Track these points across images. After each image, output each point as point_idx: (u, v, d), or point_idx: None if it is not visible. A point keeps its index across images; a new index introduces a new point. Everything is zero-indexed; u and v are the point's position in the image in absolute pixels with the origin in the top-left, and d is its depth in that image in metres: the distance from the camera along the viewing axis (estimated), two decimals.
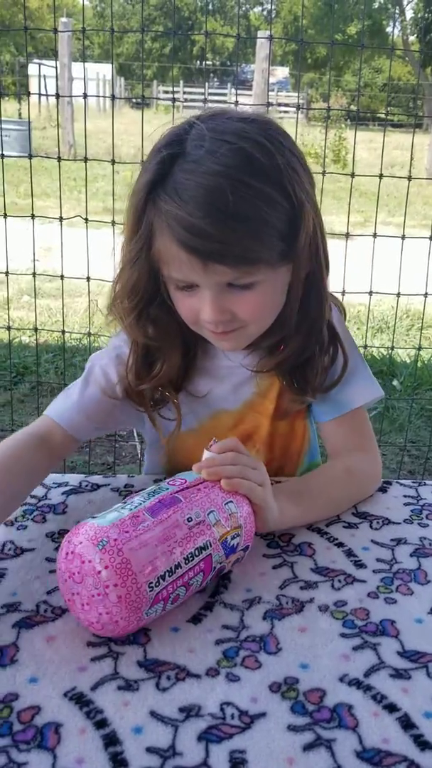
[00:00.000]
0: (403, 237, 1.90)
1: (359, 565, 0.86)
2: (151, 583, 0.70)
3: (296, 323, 0.93)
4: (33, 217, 1.97)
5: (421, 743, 0.62)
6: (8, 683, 0.67)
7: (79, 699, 0.65)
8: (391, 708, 0.66)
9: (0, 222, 2.03)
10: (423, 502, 1.00)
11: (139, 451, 1.00)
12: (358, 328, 4.08)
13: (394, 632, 0.75)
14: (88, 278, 1.99)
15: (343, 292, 1.90)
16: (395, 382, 3.38)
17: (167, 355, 0.96)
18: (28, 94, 1.68)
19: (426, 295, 2.01)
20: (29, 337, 3.59)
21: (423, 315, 2.38)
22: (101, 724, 0.63)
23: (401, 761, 0.61)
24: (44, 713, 0.64)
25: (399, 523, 0.95)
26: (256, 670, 0.69)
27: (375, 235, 1.88)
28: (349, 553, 0.88)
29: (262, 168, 0.82)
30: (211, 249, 0.81)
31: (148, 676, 0.68)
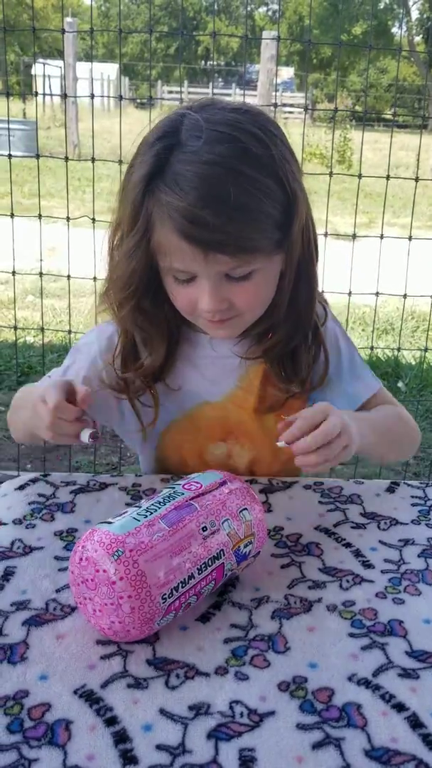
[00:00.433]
0: (410, 238, 1.90)
1: (367, 565, 0.86)
2: (165, 594, 0.70)
3: (286, 311, 0.96)
4: (40, 217, 1.97)
5: (430, 742, 0.63)
6: (18, 680, 0.67)
7: (89, 696, 0.66)
8: (400, 707, 0.66)
9: (6, 221, 2.04)
10: (431, 503, 1.00)
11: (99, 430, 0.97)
12: (363, 330, 4.08)
13: (402, 632, 0.75)
14: (94, 278, 1.99)
15: (350, 293, 1.91)
16: (400, 384, 3.38)
17: (154, 345, 0.98)
18: (35, 94, 1.69)
19: None
20: (34, 337, 3.60)
21: (429, 316, 2.38)
22: (111, 721, 0.63)
23: (410, 760, 0.61)
24: (54, 710, 0.64)
25: (407, 524, 0.95)
26: (265, 669, 0.70)
27: (382, 236, 1.88)
28: (357, 554, 0.88)
29: (258, 158, 0.83)
30: (212, 239, 0.82)
31: (158, 674, 0.68)
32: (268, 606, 0.78)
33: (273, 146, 0.85)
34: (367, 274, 1.94)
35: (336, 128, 11.29)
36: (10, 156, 1.93)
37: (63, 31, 1.84)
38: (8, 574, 0.82)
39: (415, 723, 0.64)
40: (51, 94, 10.58)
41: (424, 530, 0.94)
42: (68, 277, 2.05)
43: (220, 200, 0.81)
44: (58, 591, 0.79)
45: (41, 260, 2.12)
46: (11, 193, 1.98)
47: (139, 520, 0.72)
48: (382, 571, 0.85)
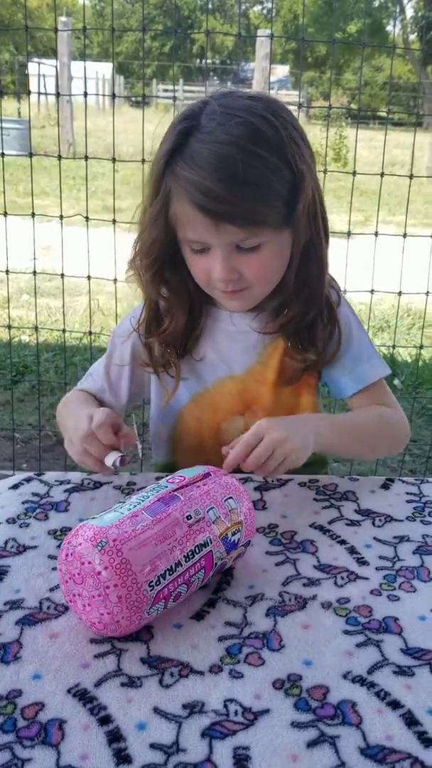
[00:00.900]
0: (405, 235, 1.90)
1: (362, 562, 0.86)
2: (152, 582, 0.70)
3: (298, 288, 1.02)
4: (33, 215, 1.97)
5: (425, 740, 0.62)
6: (12, 680, 0.67)
7: (82, 695, 0.65)
8: (395, 705, 0.66)
9: (0, 221, 2.03)
10: (425, 499, 1.00)
11: (139, 451, 1.02)
12: (369, 328, 4.07)
13: (398, 629, 0.75)
14: (88, 277, 1.99)
15: (345, 291, 1.90)
16: (396, 381, 3.38)
17: (175, 313, 1.06)
18: (29, 93, 1.68)
19: (428, 293, 2.01)
20: (29, 336, 3.59)
21: (424, 314, 2.38)
22: (105, 720, 0.63)
23: (405, 758, 0.61)
24: (48, 709, 0.64)
25: (401, 521, 0.95)
26: (260, 667, 0.69)
27: (377, 234, 1.88)
28: (352, 551, 0.88)
29: (267, 140, 0.91)
30: (223, 210, 0.90)
31: (152, 673, 0.68)
32: (262, 603, 0.78)
33: (283, 129, 0.92)
34: (363, 272, 1.93)
35: (331, 126, 11.29)
36: (2, 155, 1.93)
37: (56, 30, 1.83)
38: (2, 573, 0.81)
39: (410, 720, 0.64)
40: (45, 93, 10.55)
41: (419, 527, 0.93)
42: (62, 275, 2.05)
43: (231, 175, 0.88)
44: (51, 590, 0.79)
45: (35, 259, 2.12)
46: (4, 192, 1.97)
47: (122, 513, 0.73)
48: (377, 568, 0.85)
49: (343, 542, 0.89)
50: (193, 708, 0.64)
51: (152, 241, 0.98)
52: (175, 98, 2.05)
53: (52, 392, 3.01)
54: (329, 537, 0.90)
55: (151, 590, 0.70)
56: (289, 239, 0.98)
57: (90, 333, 2.13)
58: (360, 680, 0.68)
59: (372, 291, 1.95)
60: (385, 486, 1.04)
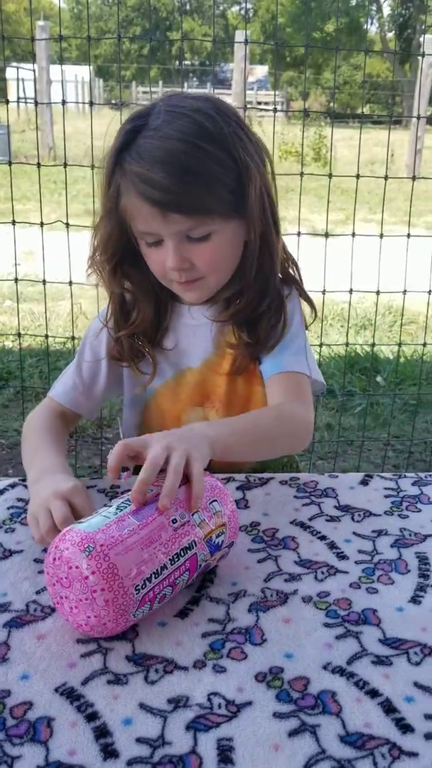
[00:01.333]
0: (381, 236, 1.92)
1: (341, 556, 0.88)
2: (138, 585, 0.71)
3: (251, 279, 1.06)
4: (14, 223, 1.98)
5: (403, 726, 0.65)
6: (0, 681, 0.68)
7: (70, 694, 0.67)
8: (373, 693, 0.68)
9: None
10: (403, 494, 1.03)
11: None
12: (342, 326, 4.11)
13: (376, 621, 0.77)
14: (70, 282, 2.00)
15: (324, 291, 1.93)
16: (379, 378, 3.41)
17: (141, 306, 1.10)
18: (7, 102, 1.70)
19: (405, 292, 2.04)
20: (12, 342, 3.59)
21: (402, 311, 2.41)
22: (92, 717, 0.65)
23: (383, 744, 0.63)
24: (36, 708, 0.65)
25: (380, 515, 0.97)
26: (242, 661, 0.71)
27: (354, 234, 1.91)
28: (332, 546, 0.90)
29: (210, 134, 0.96)
30: (168, 200, 0.95)
31: (137, 670, 0.70)
32: (245, 600, 0.80)
33: (226, 125, 0.98)
34: (344, 272, 1.96)
35: (310, 125, 11.33)
36: None
37: (33, 39, 1.85)
38: None
39: (388, 708, 0.66)
40: (25, 101, 10.51)
41: (397, 521, 0.96)
42: (44, 282, 2.06)
43: (175, 166, 0.94)
44: (38, 593, 0.80)
45: (16, 265, 2.13)
46: None
47: (109, 518, 0.74)
48: (356, 562, 0.87)
49: (323, 538, 0.92)
50: (178, 702, 0.66)
51: (107, 237, 1.03)
52: (151, 99, 2.06)
53: (36, 397, 3.01)
54: (310, 533, 0.93)
55: (137, 594, 0.71)
56: (241, 230, 1.02)
57: (73, 338, 2.14)
58: (340, 671, 0.70)
59: (351, 291, 1.98)
60: (364, 482, 1.06)
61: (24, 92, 13.25)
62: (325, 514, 0.97)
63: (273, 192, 1.06)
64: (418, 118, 2.34)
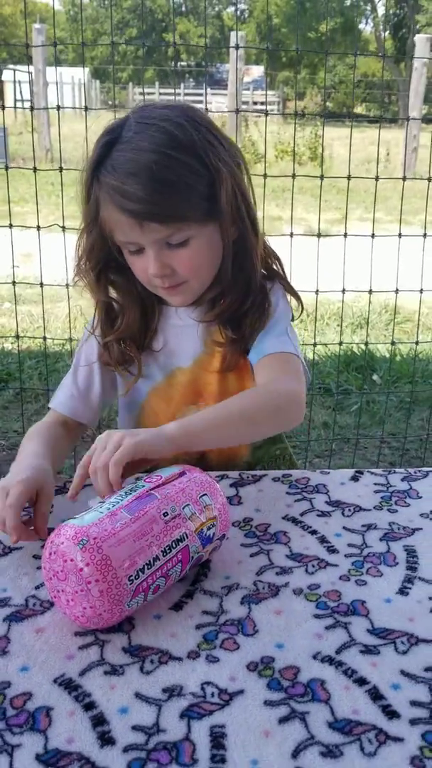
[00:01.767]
0: (373, 236, 1.95)
1: (332, 550, 0.90)
2: (131, 576, 0.74)
3: (233, 279, 1.08)
4: (11, 226, 2.00)
5: (389, 713, 0.67)
6: (1, 673, 0.71)
7: (68, 684, 0.69)
8: (361, 681, 0.70)
9: None
10: (392, 489, 1.05)
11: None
12: (338, 325, 4.13)
13: (365, 611, 0.79)
14: (67, 285, 2.02)
15: (317, 291, 1.95)
16: (375, 377, 3.44)
17: (127, 311, 1.13)
18: (3, 107, 1.71)
19: (397, 291, 2.06)
20: (11, 344, 3.61)
21: (395, 310, 2.43)
22: (89, 706, 0.67)
23: (370, 729, 0.65)
24: (35, 698, 0.68)
25: (369, 510, 0.99)
26: (235, 651, 0.74)
27: (346, 235, 1.93)
28: (323, 540, 0.92)
29: (180, 142, 0.99)
30: (144, 210, 0.98)
31: (133, 661, 0.72)
32: (237, 592, 0.82)
33: (196, 132, 1.00)
34: (340, 271, 1.98)
35: (307, 125, 11.35)
36: None
37: (27, 46, 1.87)
38: None
39: (375, 695, 0.69)
40: (22, 107, 10.53)
41: (386, 515, 0.98)
42: (41, 284, 2.08)
43: (148, 177, 0.97)
44: (36, 588, 0.83)
45: (14, 267, 2.15)
46: None
47: (102, 513, 0.77)
48: (346, 555, 0.89)
49: (314, 532, 0.94)
50: (173, 691, 0.69)
51: (90, 247, 1.06)
52: (144, 101, 2.08)
53: (36, 399, 3.03)
54: (301, 528, 0.95)
55: (130, 584, 0.74)
56: (217, 233, 1.05)
57: (71, 339, 2.16)
58: (329, 660, 0.73)
59: (344, 290, 2.00)
60: (355, 478, 1.08)
61: (21, 94, 13.28)
62: (316, 509, 0.99)
63: (249, 193, 1.08)
64: (408, 120, 2.36)
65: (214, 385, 1.17)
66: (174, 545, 0.78)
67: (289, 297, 1.19)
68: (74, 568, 0.73)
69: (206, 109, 2.00)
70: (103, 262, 1.09)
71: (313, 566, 0.87)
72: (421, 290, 2.11)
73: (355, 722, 0.66)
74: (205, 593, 0.82)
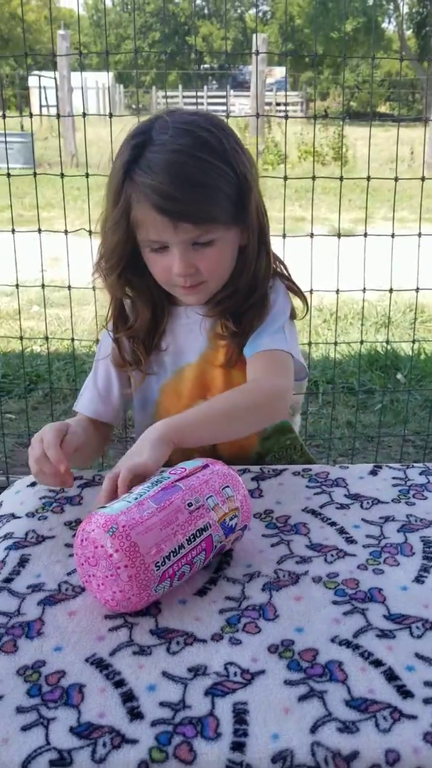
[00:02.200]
0: (393, 235, 1.97)
1: (350, 541, 0.94)
2: (158, 563, 0.78)
3: (243, 281, 1.14)
4: (39, 231, 2.06)
5: (404, 692, 0.70)
6: (36, 652, 0.75)
7: (99, 663, 0.74)
8: (377, 663, 0.74)
9: (8, 236, 2.12)
10: (410, 482, 1.08)
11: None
12: (362, 324, 4.15)
13: (381, 598, 0.83)
14: (94, 287, 2.07)
15: (337, 291, 1.98)
16: (399, 376, 3.45)
17: (141, 311, 1.18)
18: (31, 115, 1.76)
19: (418, 290, 2.08)
20: (40, 346, 3.68)
21: (416, 308, 2.45)
22: (119, 683, 0.71)
23: (385, 708, 0.68)
24: (69, 676, 0.72)
25: (387, 503, 1.02)
26: (256, 635, 0.77)
27: (366, 234, 1.96)
28: (341, 531, 0.96)
29: (212, 148, 1.04)
30: (179, 210, 1.02)
31: (160, 642, 0.76)
32: (259, 580, 0.86)
33: (225, 139, 1.06)
34: (362, 271, 2.01)
35: (330, 125, 11.34)
36: (8, 175, 2.02)
37: (53, 54, 1.93)
38: (24, 561, 0.90)
39: (390, 676, 0.72)
40: (48, 110, 10.66)
41: (404, 507, 1.01)
42: (69, 287, 2.13)
43: (184, 179, 1.02)
44: (69, 574, 0.87)
45: (43, 271, 2.21)
46: (11, 207, 2.06)
47: (130, 502, 0.81)
48: (364, 546, 0.92)
49: (333, 524, 0.97)
50: (197, 671, 0.73)
51: (115, 245, 1.09)
52: (166, 104, 2.13)
53: (64, 399, 3.10)
54: (320, 519, 0.98)
55: (157, 570, 0.78)
56: (237, 237, 1.10)
57: (98, 341, 2.21)
58: (346, 643, 0.76)
59: (364, 289, 2.03)
60: (374, 472, 1.12)
61: (46, 100, 13.44)
62: (335, 502, 1.03)
63: (261, 201, 1.14)
64: (426, 119, 2.37)
65: (220, 380, 1.20)
66: (198, 534, 0.82)
67: (292, 296, 1.23)
68: (104, 554, 0.77)
69: (228, 112, 2.04)
70: (125, 261, 1.12)
71: (332, 556, 0.90)
72: None
73: (371, 701, 0.69)
74: (228, 580, 0.86)
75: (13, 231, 2.06)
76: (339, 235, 1.94)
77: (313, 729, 0.66)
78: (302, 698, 0.69)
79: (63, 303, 4.32)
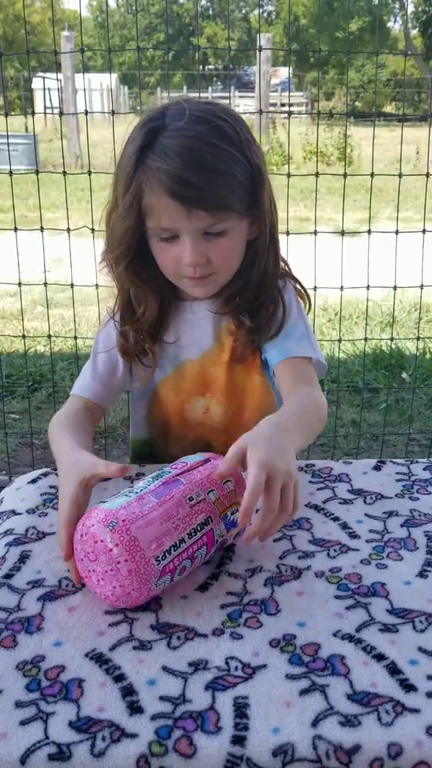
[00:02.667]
0: (397, 232, 1.97)
1: (353, 536, 0.93)
2: (158, 557, 0.77)
3: (253, 275, 1.12)
4: (42, 230, 2.06)
5: (407, 686, 0.69)
6: (35, 647, 0.75)
7: (98, 658, 0.73)
8: (380, 657, 0.73)
9: (11, 235, 2.12)
10: (414, 478, 1.07)
11: None
12: (366, 324, 4.14)
13: (384, 593, 0.82)
14: (96, 286, 2.07)
15: (341, 288, 1.98)
16: (404, 375, 3.43)
17: (149, 302, 1.15)
18: (33, 113, 1.76)
19: (422, 287, 2.07)
20: (44, 346, 3.68)
21: (420, 306, 2.44)
22: (119, 678, 0.71)
23: (388, 701, 0.68)
24: (68, 671, 0.72)
25: (391, 498, 1.02)
26: (258, 629, 0.77)
27: (369, 232, 1.95)
28: (344, 526, 0.95)
29: (227, 136, 1.02)
30: (194, 196, 1.00)
31: (160, 637, 0.76)
32: (261, 575, 0.85)
33: (239, 129, 1.04)
34: (365, 270, 2.00)
35: (335, 125, 11.33)
36: (11, 173, 2.02)
37: (55, 53, 1.92)
38: (24, 557, 0.89)
39: (393, 670, 0.71)
40: (52, 112, 10.67)
41: (407, 502, 1.00)
42: (71, 285, 2.13)
43: (199, 165, 0.99)
44: (69, 570, 0.86)
45: (46, 271, 2.21)
46: (14, 208, 2.06)
47: (130, 497, 0.80)
48: (367, 541, 0.92)
49: (336, 519, 0.97)
50: (198, 665, 0.72)
51: (123, 232, 1.06)
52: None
53: (68, 399, 3.09)
54: (323, 515, 0.98)
55: (158, 564, 0.77)
56: (247, 229, 1.09)
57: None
58: (349, 637, 0.75)
59: (368, 287, 2.02)
60: (377, 467, 1.11)
61: (50, 101, 13.47)
62: (338, 497, 1.02)
63: (273, 195, 1.13)
64: (431, 117, 2.37)
65: (222, 378, 1.19)
66: (199, 528, 0.82)
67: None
68: (104, 549, 0.77)
69: None
70: (133, 250, 1.09)
71: (335, 551, 0.90)
72: None
73: (373, 694, 0.68)
74: (229, 575, 0.85)
75: (15, 229, 2.05)
76: (343, 233, 1.93)
77: (315, 723, 0.65)
78: (304, 692, 0.69)
79: (66, 303, 4.32)
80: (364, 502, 1.01)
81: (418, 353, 3.00)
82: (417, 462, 1.12)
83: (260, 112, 1.91)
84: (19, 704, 0.68)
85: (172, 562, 0.79)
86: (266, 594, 0.82)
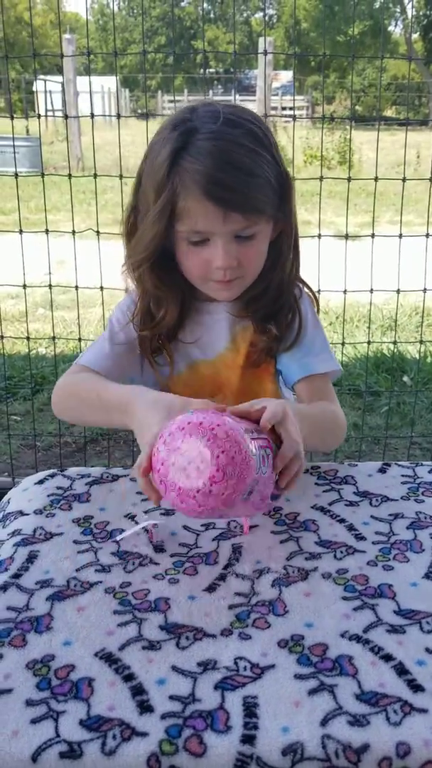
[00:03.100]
0: (401, 236, 1.97)
1: (359, 537, 0.93)
2: (251, 451, 0.79)
3: (273, 279, 1.13)
4: (47, 231, 2.06)
5: (414, 686, 0.70)
6: (45, 647, 0.75)
7: (108, 658, 0.74)
8: (388, 658, 0.73)
9: (15, 237, 2.13)
10: (420, 480, 1.08)
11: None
12: (368, 327, 4.15)
13: (391, 594, 0.83)
14: (101, 288, 2.08)
15: (345, 291, 1.98)
16: (405, 378, 3.44)
17: (168, 306, 1.15)
18: (38, 116, 1.77)
19: (425, 290, 2.08)
20: (46, 348, 3.69)
21: (423, 310, 2.45)
22: (129, 677, 0.71)
23: (396, 701, 0.68)
24: (78, 670, 0.72)
25: (397, 500, 1.02)
26: (266, 630, 0.77)
27: (373, 235, 1.96)
28: (351, 528, 0.95)
29: (260, 140, 1.04)
30: (230, 198, 1.00)
31: (169, 637, 0.76)
32: (268, 576, 0.86)
33: (267, 133, 1.06)
34: (369, 273, 2.01)
35: (336, 129, 11.35)
36: (16, 175, 2.03)
37: (61, 56, 1.94)
38: (32, 557, 0.90)
39: (401, 670, 0.72)
40: (53, 115, 10.70)
41: (413, 505, 1.01)
42: (76, 287, 2.14)
43: (236, 168, 1.00)
44: (77, 570, 0.87)
45: (50, 273, 2.21)
46: (19, 210, 2.07)
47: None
48: (374, 542, 0.92)
49: (342, 521, 0.97)
50: (207, 665, 0.72)
51: (153, 236, 1.05)
52: (175, 108, 2.14)
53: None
54: (329, 516, 0.98)
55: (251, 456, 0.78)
56: (272, 232, 1.09)
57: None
58: (356, 638, 0.76)
59: (372, 290, 2.03)
60: (382, 470, 1.11)
61: (52, 104, 13.49)
62: (344, 499, 1.03)
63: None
64: None
65: (235, 381, 1.20)
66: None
67: None
68: (206, 430, 0.77)
69: None
70: (159, 253, 1.09)
71: (342, 552, 0.90)
72: None
73: (382, 694, 0.69)
74: (237, 576, 0.86)
75: (21, 231, 2.06)
76: (347, 236, 1.94)
77: (324, 722, 0.66)
78: (312, 692, 0.69)
79: (68, 306, 4.33)
80: (370, 504, 1.01)
81: (419, 357, 3.00)
82: (422, 465, 1.13)
83: (265, 115, 1.91)
84: (29, 703, 0.68)
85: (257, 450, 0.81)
86: (274, 595, 0.82)
